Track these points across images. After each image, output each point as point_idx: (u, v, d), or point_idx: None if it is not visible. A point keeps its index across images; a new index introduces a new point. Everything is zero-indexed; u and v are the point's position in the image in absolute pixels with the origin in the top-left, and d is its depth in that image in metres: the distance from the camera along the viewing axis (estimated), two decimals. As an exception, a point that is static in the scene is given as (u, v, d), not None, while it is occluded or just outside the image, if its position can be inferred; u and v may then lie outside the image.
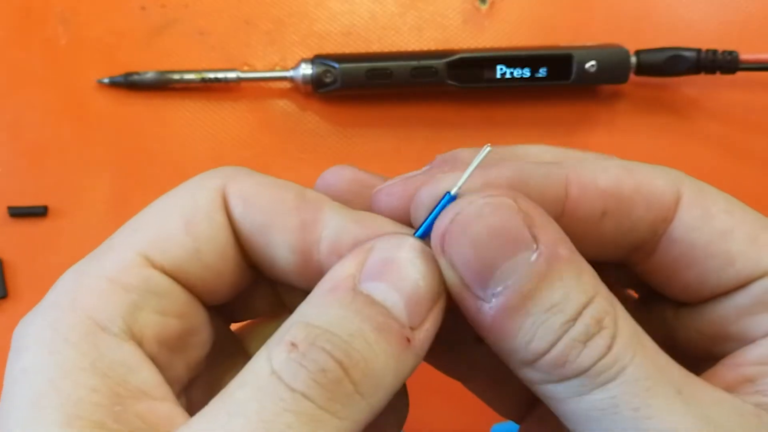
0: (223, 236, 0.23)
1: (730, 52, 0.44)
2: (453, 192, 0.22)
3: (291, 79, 0.45)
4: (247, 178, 0.24)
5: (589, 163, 0.23)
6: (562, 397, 0.20)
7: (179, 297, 0.23)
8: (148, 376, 0.21)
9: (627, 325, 0.20)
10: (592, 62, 0.43)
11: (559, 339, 0.20)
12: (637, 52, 0.44)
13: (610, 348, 0.19)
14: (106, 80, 0.45)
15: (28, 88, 0.46)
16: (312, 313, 0.20)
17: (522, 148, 0.25)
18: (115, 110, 0.46)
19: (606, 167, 0.23)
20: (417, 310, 0.21)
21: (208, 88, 0.46)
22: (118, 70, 0.45)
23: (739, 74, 0.44)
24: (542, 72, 0.44)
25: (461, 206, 0.21)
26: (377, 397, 0.20)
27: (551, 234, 0.20)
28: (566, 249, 0.20)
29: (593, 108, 0.47)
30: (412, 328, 0.20)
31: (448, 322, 0.25)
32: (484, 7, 0.47)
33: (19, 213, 0.45)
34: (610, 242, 0.23)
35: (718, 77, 0.45)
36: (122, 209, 0.45)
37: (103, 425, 0.19)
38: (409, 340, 0.20)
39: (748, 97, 0.47)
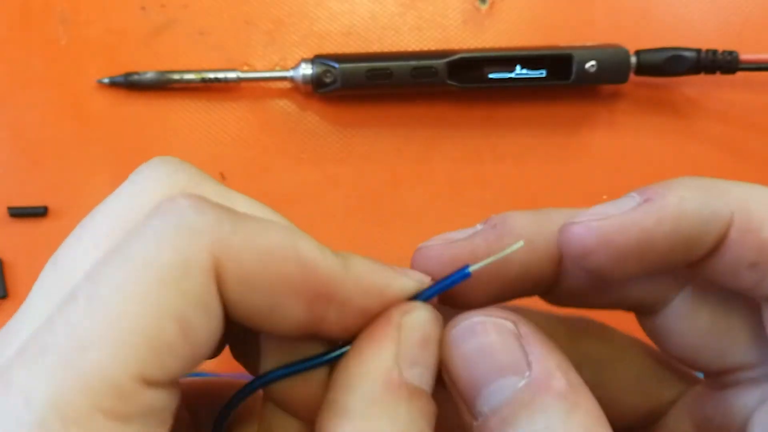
0: (220, 327, 0.19)
1: (730, 52, 0.44)
2: (470, 270, 0.21)
3: (291, 79, 0.45)
4: (242, 238, 0.19)
5: (762, 202, 0.20)
6: None
7: (173, 403, 0.19)
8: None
9: None
10: (592, 62, 0.43)
11: None
12: (637, 52, 0.44)
13: None
14: (106, 80, 0.45)
15: (28, 88, 0.46)
16: (375, 416, 0.19)
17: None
18: (115, 110, 0.46)
19: None
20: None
21: (208, 88, 0.46)
22: (118, 70, 0.45)
23: (739, 74, 0.44)
24: (542, 72, 0.44)
25: (458, 321, 0.21)
26: None
27: (549, 363, 0.19)
28: (563, 382, 0.19)
29: (593, 108, 0.47)
30: None
31: None
32: (484, 7, 0.47)
33: (19, 213, 0.45)
34: (746, 290, 0.21)
35: (718, 77, 0.45)
36: (122, 209, 0.45)
37: None
38: None
39: (748, 97, 0.47)
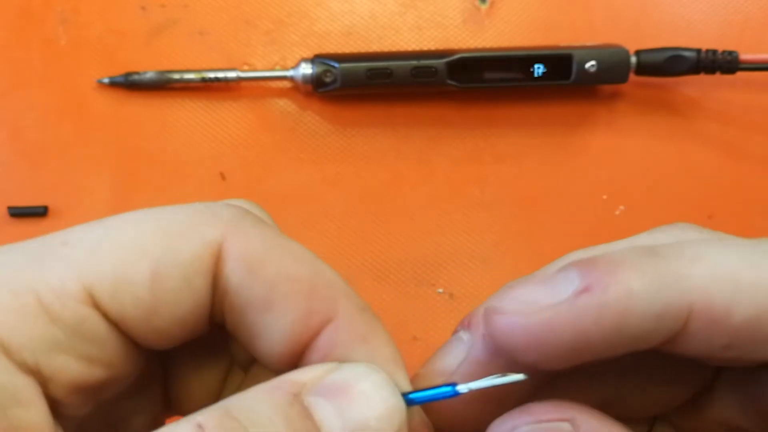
0: (194, 304, 0.19)
1: (730, 52, 0.44)
2: (459, 389, 0.19)
3: (291, 79, 0.45)
4: (254, 233, 0.19)
5: (725, 284, 0.17)
6: None
7: (113, 346, 0.19)
8: (35, 419, 0.18)
9: None
10: (592, 62, 0.43)
11: None
12: (637, 52, 0.44)
13: None
14: (106, 80, 0.45)
15: (28, 88, 0.46)
16: (239, 404, 0.18)
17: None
18: (115, 110, 0.46)
19: (751, 286, 0.17)
20: None
21: (208, 87, 0.46)
22: (118, 70, 0.45)
23: (739, 74, 0.44)
24: (542, 72, 0.44)
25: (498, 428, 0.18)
26: None
27: None
28: None
29: (593, 108, 0.47)
30: None
31: None
32: (484, 7, 0.47)
33: (19, 213, 0.45)
34: (720, 366, 0.19)
35: (718, 77, 0.45)
36: (122, 209, 0.45)
37: None
38: None
39: (748, 97, 0.47)
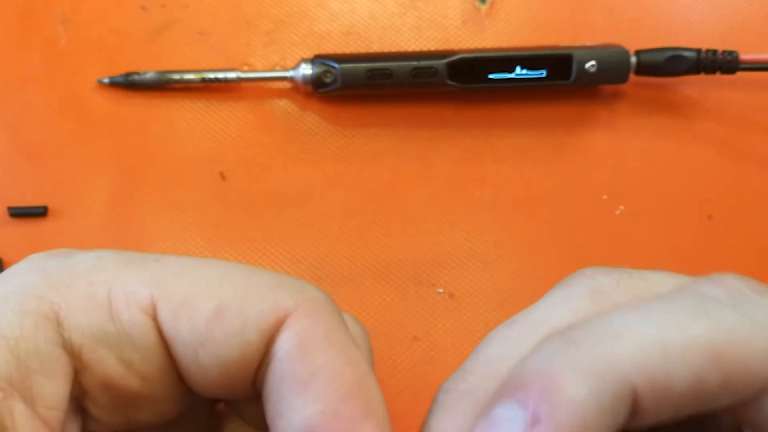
0: (241, 354, 0.19)
1: (730, 52, 0.44)
2: None
3: (291, 79, 0.45)
4: (324, 319, 0.20)
5: (657, 355, 0.17)
6: None
7: (154, 361, 0.20)
8: (52, 393, 0.18)
9: None
10: (592, 62, 0.43)
11: None
12: (637, 52, 0.44)
13: None
14: (106, 80, 0.45)
15: (28, 88, 0.46)
16: None
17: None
18: (115, 110, 0.46)
19: (684, 349, 0.17)
20: None
21: (208, 88, 0.46)
22: (118, 70, 0.45)
23: (739, 74, 0.44)
24: (542, 72, 0.44)
25: None
26: None
27: None
28: None
29: (593, 108, 0.47)
30: None
31: None
32: (484, 7, 0.47)
33: (19, 213, 0.45)
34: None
35: (718, 77, 0.45)
36: (122, 209, 0.45)
37: None
38: None
39: (748, 97, 0.47)
